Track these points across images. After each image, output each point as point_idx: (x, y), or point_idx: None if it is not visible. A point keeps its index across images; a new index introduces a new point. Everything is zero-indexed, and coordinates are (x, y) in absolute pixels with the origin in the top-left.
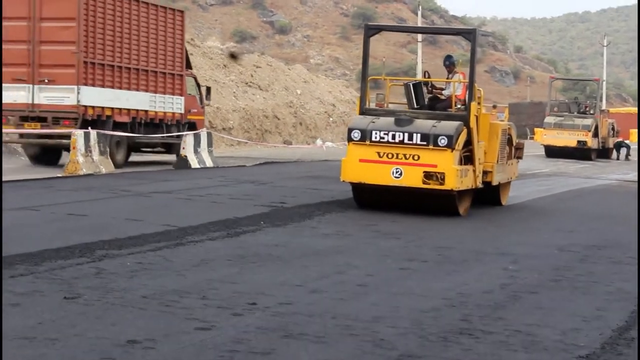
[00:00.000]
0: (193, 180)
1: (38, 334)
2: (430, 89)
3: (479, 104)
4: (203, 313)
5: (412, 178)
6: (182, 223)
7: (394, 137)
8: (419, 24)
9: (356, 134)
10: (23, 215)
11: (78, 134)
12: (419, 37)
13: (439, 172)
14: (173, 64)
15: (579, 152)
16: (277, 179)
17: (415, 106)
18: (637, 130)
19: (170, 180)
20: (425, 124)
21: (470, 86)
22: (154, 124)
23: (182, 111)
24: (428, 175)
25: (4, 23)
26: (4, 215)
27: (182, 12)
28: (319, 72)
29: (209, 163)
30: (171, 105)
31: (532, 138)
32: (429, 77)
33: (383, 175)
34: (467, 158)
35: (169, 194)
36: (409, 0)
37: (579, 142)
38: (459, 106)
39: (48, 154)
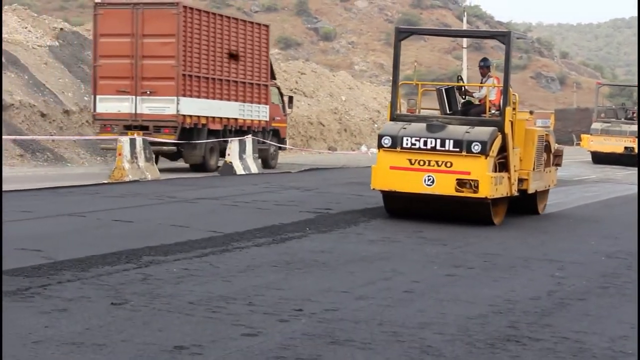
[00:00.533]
0: (238, 186)
1: (85, 339)
2: (463, 93)
3: (514, 109)
4: (249, 319)
5: (445, 186)
6: (228, 229)
7: (425, 143)
8: None
9: (387, 141)
10: (69, 221)
11: (124, 141)
12: (464, 43)
13: (472, 180)
14: (259, 75)
15: (626, 158)
16: (322, 185)
17: (448, 112)
18: (637, 130)
19: (216, 186)
20: (458, 130)
21: (505, 91)
22: (242, 130)
23: (267, 119)
24: (461, 183)
25: (110, 40)
26: (51, 222)
27: (267, 26)
28: (363, 78)
29: (254, 169)
30: (257, 113)
31: (578, 144)
32: (462, 81)
33: (414, 182)
34: (502, 165)
35: (214, 200)
36: (454, 7)
37: (626, 148)
38: (493, 111)
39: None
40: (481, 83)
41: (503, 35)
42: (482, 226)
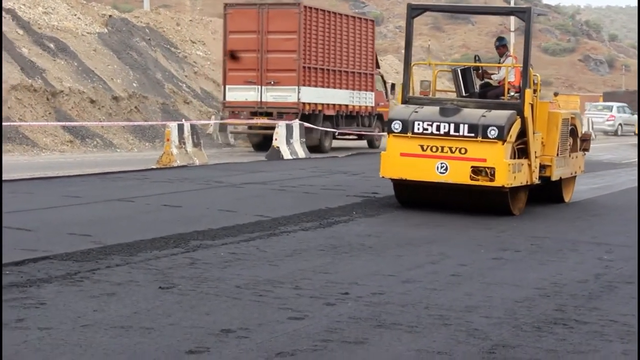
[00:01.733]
0: (285, 171)
1: (134, 323)
2: (481, 74)
3: (535, 91)
4: (296, 303)
5: (459, 173)
6: (275, 214)
7: (438, 128)
8: None
9: (397, 125)
10: (118, 206)
11: (172, 127)
12: (511, 26)
13: (488, 167)
14: (366, 65)
15: None
16: (368, 170)
17: (464, 94)
18: (637, 123)
19: (263, 171)
20: (473, 114)
21: (525, 71)
22: (351, 116)
23: (373, 104)
24: (476, 171)
25: (238, 36)
26: (100, 207)
27: (372, 21)
28: None
29: (301, 154)
30: (365, 99)
31: None
32: (479, 61)
33: (427, 170)
34: (522, 151)
35: (262, 185)
36: None
37: None
38: (512, 94)
39: (268, 142)
40: (499, 63)
41: (523, 12)
42: (529, 208)
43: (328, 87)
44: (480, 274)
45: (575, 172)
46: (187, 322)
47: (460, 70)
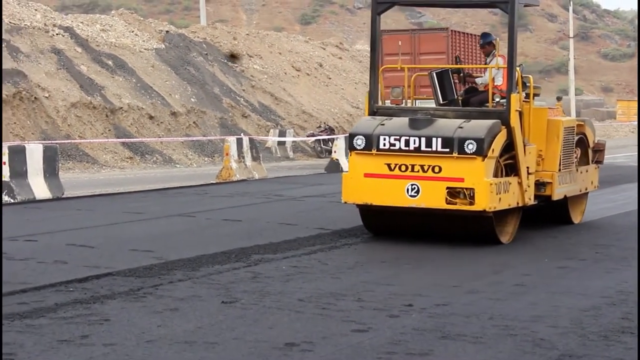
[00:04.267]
0: None
1: (198, 338)
2: (463, 78)
3: (527, 95)
4: (359, 315)
5: (433, 196)
6: (335, 226)
7: (407, 143)
8: (570, 20)
9: (359, 141)
10: (179, 221)
11: (231, 141)
12: (570, 32)
13: (466, 188)
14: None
15: None
16: None
17: (442, 101)
18: (637, 124)
19: (323, 183)
20: (448, 125)
21: (510, 72)
22: None
23: None
24: (453, 193)
25: (393, 57)
26: (162, 223)
27: (496, 39)
28: None
29: None
30: None
31: None
32: (459, 63)
33: (395, 193)
34: (511, 167)
35: (321, 198)
36: None
37: None
38: (497, 100)
39: None
40: (485, 64)
41: (505, 2)
42: (591, 216)
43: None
44: (545, 283)
45: (586, 189)
46: (251, 337)
47: (437, 73)
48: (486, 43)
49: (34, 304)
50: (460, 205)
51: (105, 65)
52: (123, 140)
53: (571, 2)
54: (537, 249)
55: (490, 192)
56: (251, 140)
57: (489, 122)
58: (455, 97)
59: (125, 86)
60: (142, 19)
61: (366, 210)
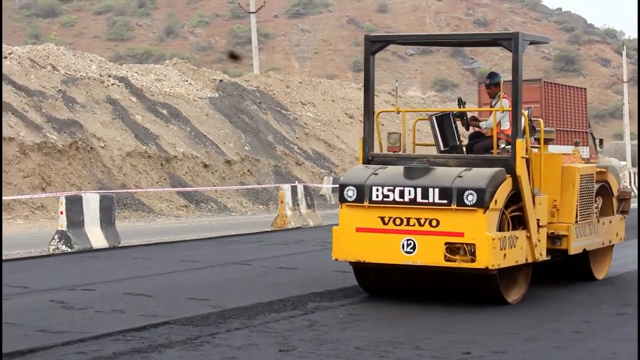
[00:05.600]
0: None
1: None
2: (466, 122)
3: (537, 140)
4: None
5: (430, 253)
6: None
7: (402, 194)
8: (624, 64)
9: (350, 192)
10: (235, 270)
11: (286, 189)
12: (624, 77)
13: (467, 244)
14: (582, 123)
15: None
16: None
17: (443, 148)
18: (637, 133)
19: None
20: (446, 174)
21: (515, 115)
22: None
23: (588, 157)
24: (452, 249)
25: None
26: (218, 271)
27: (584, 89)
28: None
29: None
30: (582, 153)
31: None
32: (463, 106)
33: (390, 249)
34: (520, 219)
35: None
36: (612, 41)
37: None
38: (502, 146)
39: None
40: (490, 107)
41: (508, 39)
42: None
43: (559, 143)
44: (604, 330)
45: (610, 241)
46: None
47: (437, 117)
48: (493, 84)
49: (93, 353)
50: (460, 263)
51: (159, 114)
52: (178, 189)
53: (624, 47)
54: (595, 295)
55: (493, 248)
56: (305, 188)
57: (491, 171)
58: (457, 143)
59: (179, 135)
60: (195, 68)
61: (360, 268)
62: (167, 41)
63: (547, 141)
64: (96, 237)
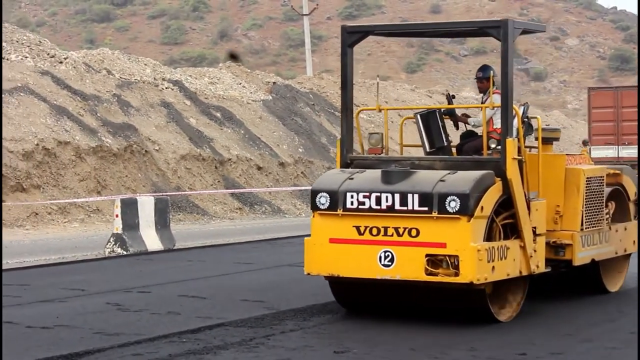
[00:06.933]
0: None
1: None
2: (456, 121)
3: (536, 138)
4: None
5: (410, 266)
6: None
7: (379, 201)
8: None
9: (323, 199)
10: (289, 271)
11: None
12: None
13: (449, 255)
14: None
15: None
16: None
17: (429, 149)
18: (637, 132)
19: None
20: (428, 178)
21: (505, 112)
22: None
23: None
24: (434, 261)
25: (599, 110)
26: (272, 273)
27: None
28: (577, 117)
29: None
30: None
31: None
32: (451, 102)
33: (366, 262)
34: (513, 228)
35: None
36: None
37: None
38: (493, 146)
39: None
40: (481, 103)
41: (497, 27)
42: None
43: None
44: None
45: (625, 250)
46: None
47: (422, 115)
48: (485, 78)
49: (148, 355)
50: (442, 277)
51: (213, 117)
52: (232, 191)
53: None
54: None
55: (478, 260)
56: None
57: (477, 174)
58: (445, 143)
59: (233, 137)
60: (249, 71)
61: (335, 282)
62: (220, 44)
63: (551, 140)
64: (151, 240)
